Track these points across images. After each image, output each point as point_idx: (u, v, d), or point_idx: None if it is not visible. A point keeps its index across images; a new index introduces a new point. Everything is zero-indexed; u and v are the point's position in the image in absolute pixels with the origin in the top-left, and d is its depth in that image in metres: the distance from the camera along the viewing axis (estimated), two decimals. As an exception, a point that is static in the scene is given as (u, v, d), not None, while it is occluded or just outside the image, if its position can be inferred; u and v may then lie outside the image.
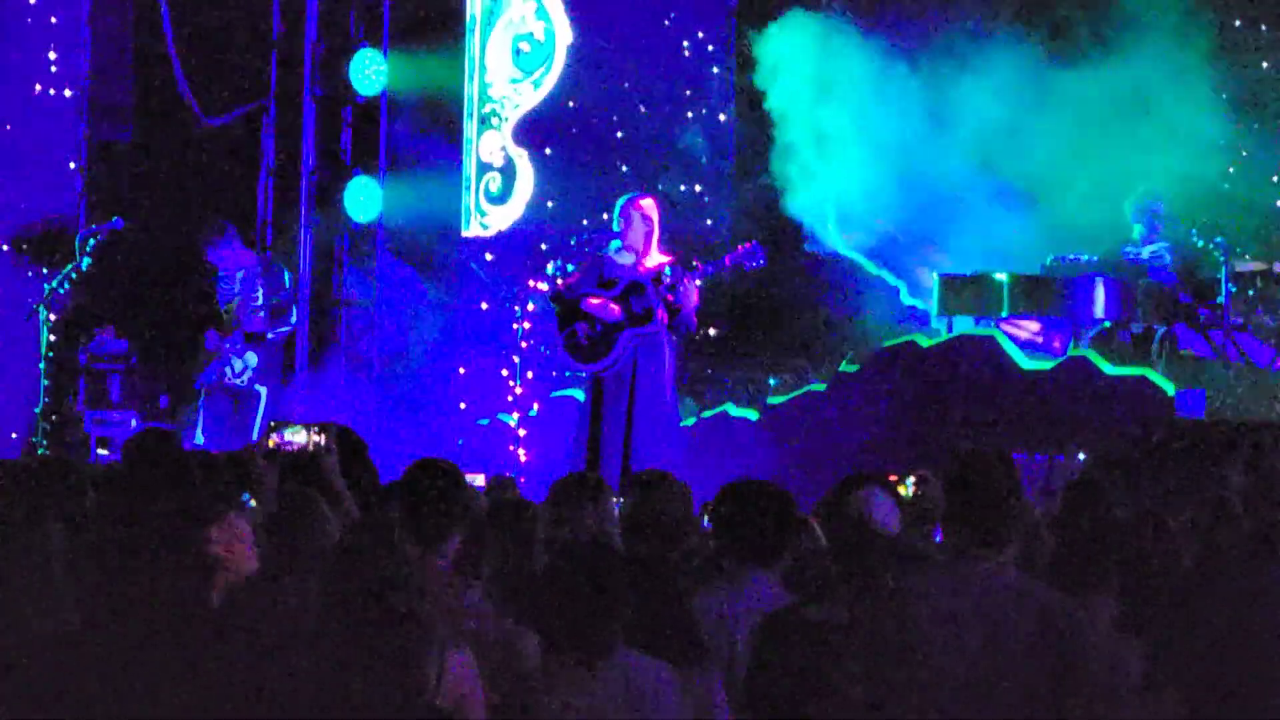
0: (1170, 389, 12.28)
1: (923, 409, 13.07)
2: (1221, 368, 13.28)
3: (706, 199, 16.14)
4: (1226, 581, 5.32)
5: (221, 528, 5.56)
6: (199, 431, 13.04)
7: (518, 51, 16.31)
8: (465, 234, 16.38)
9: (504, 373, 15.33)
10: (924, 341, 13.47)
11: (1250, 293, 13.54)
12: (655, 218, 12.22)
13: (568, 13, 16.12)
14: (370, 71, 16.04)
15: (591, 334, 12.07)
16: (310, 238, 16.01)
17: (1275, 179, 14.86)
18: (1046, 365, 12.89)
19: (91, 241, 13.33)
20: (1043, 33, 14.71)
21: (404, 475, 6.17)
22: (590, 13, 16.18)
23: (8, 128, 15.47)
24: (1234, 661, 5.20)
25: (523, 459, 14.74)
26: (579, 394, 13.60)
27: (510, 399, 15.07)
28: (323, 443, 6.98)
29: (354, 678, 4.43)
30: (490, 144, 16.36)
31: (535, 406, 14.97)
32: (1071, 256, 13.90)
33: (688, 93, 16.27)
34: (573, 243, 12.78)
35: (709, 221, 15.98)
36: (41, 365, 13.48)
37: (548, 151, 16.32)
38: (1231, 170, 14.62)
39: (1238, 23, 14.77)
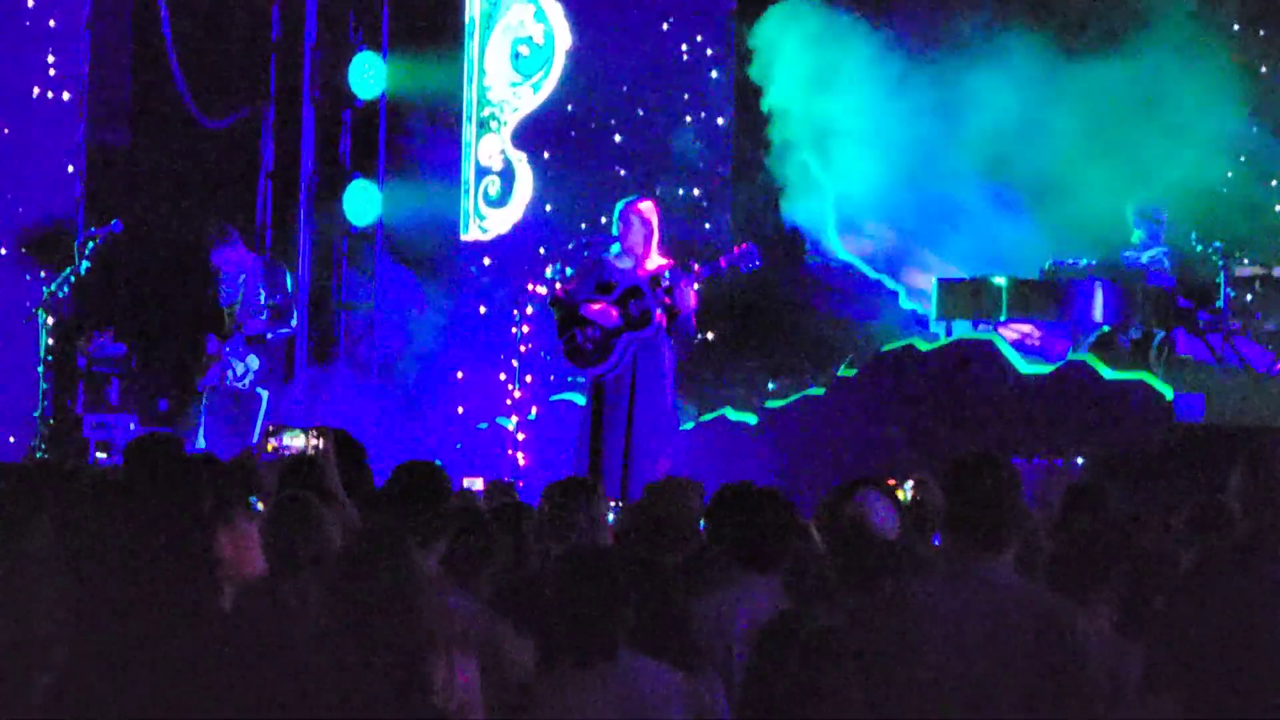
0: (1169, 393, 12.26)
1: (921, 413, 13.06)
2: (1220, 372, 13.26)
3: (705, 203, 16.12)
4: (1225, 585, 5.31)
5: (230, 531, 5.57)
6: (200, 434, 13.05)
7: (517, 55, 16.30)
8: (464, 237, 16.38)
9: (502, 376, 15.31)
10: (923, 346, 13.46)
11: (1249, 297, 13.51)
12: (655, 221, 12.22)
13: (567, 16, 16.12)
14: (369, 75, 16.05)
15: (591, 338, 12.07)
16: (309, 241, 16.02)
17: (1274, 183, 14.83)
18: (1045, 369, 12.88)
19: (90, 244, 13.32)
20: (1050, 33, 14.67)
21: (389, 478, 6.16)
22: (589, 16, 16.16)
23: (6, 130, 15.48)
24: (1233, 665, 5.20)
25: (521, 463, 14.72)
26: (578, 398, 13.59)
27: (509, 403, 15.04)
28: (320, 447, 6.97)
29: (360, 681, 4.43)
30: (489, 147, 16.35)
31: (534, 410, 14.95)
32: (1070, 260, 13.88)
33: (686, 96, 16.25)
34: (571, 246, 12.74)
35: (708, 225, 15.96)
36: (40, 368, 13.47)
37: (546, 155, 16.31)
38: (1230, 174, 14.60)
39: (1236, 26, 14.75)
